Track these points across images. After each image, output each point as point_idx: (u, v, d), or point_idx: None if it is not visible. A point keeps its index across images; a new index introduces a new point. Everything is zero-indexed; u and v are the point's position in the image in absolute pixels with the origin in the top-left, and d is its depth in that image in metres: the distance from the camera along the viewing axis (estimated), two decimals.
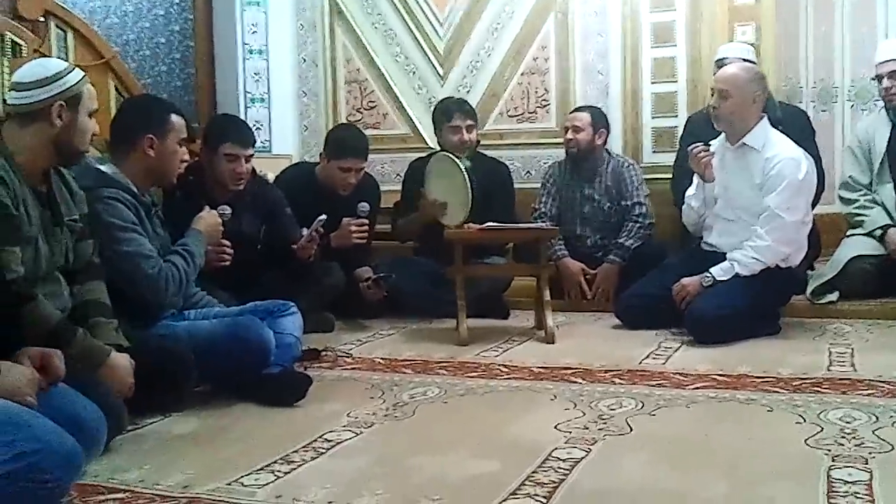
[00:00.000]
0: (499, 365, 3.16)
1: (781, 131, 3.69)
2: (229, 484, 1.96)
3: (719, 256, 3.63)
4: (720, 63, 4.41)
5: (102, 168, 2.69)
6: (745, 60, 4.14)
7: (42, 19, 4.07)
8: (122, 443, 2.26)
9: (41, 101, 2.28)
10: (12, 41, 3.78)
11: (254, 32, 5.32)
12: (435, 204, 3.92)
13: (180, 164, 2.87)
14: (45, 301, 2.22)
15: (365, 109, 5.47)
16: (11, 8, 3.93)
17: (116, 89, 4.36)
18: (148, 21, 5.02)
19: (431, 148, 4.79)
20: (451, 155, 3.72)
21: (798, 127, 4.02)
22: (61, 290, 2.36)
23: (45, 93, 2.28)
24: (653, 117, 4.96)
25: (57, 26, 4.15)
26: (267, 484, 1.96)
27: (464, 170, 3.55)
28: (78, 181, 2.51)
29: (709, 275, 3.56)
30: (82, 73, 2.40)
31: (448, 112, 4.27)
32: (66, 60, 4.13)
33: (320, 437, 2.31)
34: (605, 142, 4.44)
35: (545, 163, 4.84)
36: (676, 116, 4.84)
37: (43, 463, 1.73)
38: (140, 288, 2.64)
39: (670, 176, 4.50)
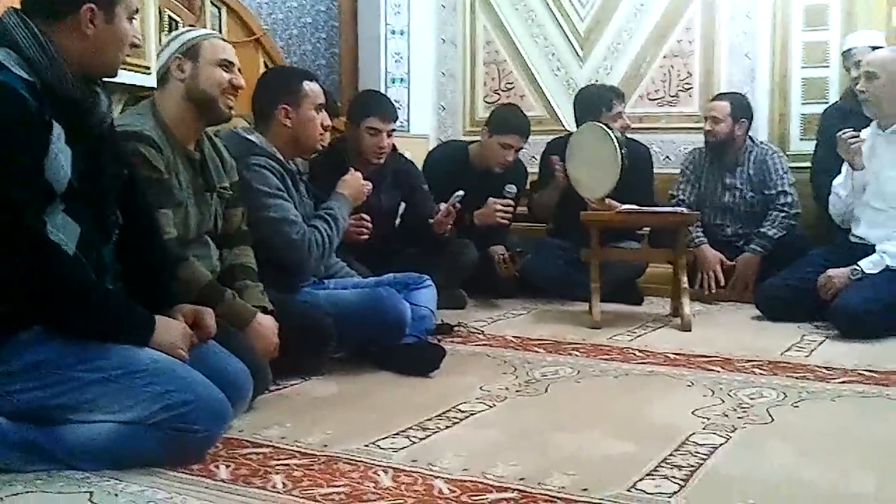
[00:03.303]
0: (633, 349, 3.11)
1: None
2: (366, 446, 2.00)
3: (868, 248, 3.49)
4: (847, 54, 4.23)
5: (251, 137, 2.78)
6: (873, 48, 3.94)
7: None
8: (266, 401, 2.34)
9: (166, 61, 2.39)
10: (169, 17, 3.94)
11: (397, 13, 5.39)
12: (567, 174, 3.88)
13: (322, 131, 2.90)
14: (196, 262, 2.32)
15: (502, 91, 5.45)
16: None
17: (266, 66, 4.49)
18: (296, 1, 5.16)
19: (568, 131, 4.75)
20: (602, 125, 3.66)
21: None
22: (210, 254, 2.47)
23: (168, 53, 2.40)
24: (802, 103, 4.76)
25: (212, 3, 4.30)
26: (403, 448, 2.00)
27: (615, 139, 3.49)
28: (228, 148, 2.60)
29: (857, 267, 3.42)
30: (206, 32, 2.50)
31: (608, 100, 4.15)
32: None
33: (454, 407, 2.34)
34: (746, 131, 4.29)
35: (685, 148, 4.72)
36: (827, 103, 4.61)
37: (194, 414, 1.82)
38: (284, 253, 2.72)
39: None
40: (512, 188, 4.03)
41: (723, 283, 4.17)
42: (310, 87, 2.85)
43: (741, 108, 4.27)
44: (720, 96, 4.40)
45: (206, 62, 2.38)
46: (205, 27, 4.20)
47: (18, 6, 1.87)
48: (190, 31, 2.51)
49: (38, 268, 1.74)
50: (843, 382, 2.65)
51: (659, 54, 5.06)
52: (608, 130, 3.57)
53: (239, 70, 2.46)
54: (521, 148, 4.17)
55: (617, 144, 3.48)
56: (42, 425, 1.81)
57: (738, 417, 2.27)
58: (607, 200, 3.63)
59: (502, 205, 3.98)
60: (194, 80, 2.37)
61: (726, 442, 2.07)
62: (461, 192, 3.64)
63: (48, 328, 1.80)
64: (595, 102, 4.14)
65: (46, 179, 1.77)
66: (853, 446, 2.07)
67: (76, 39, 1.86)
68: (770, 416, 2.29)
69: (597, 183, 3.60)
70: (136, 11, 2.03)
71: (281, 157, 2.79)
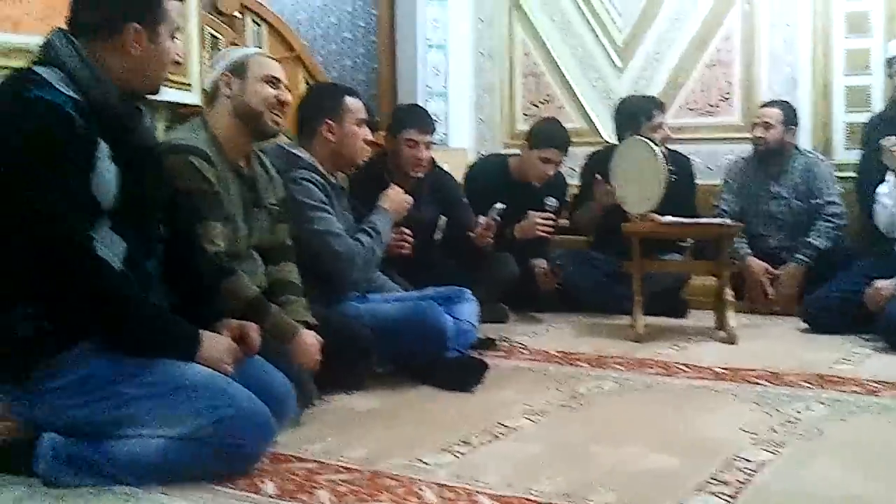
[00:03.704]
0: (677, 363, 3.08)
1: None
2: (410, 461, 2.00)
3: None
4: (891, 61, 4.16)
5: (296, 151, 2.81)
6: None
7: (239, 14, 4.28)
8: (309, 416, 2.34)
9: (215, 78, 2.44)
10: (211, 34, 3.99)
11: (435, 27, 5.41)
12: (609, 191, 3.85)
13: (363, 145, 2.93)
14: (243, 276, 2.33)
15: (541, 103, 5.45)
16: (211, 3, 4.14)
17: (306, 82, 4.52)
18: (335, 17, 5.20)
19: (606, 142, 4.73)
20: (646, 140, 3.62)
21: None
22: (256, 269, 2.48)
23: (217, 71, 2.45)
24: (846, 112, 4.70)
25: (253, 20, 4.36)
26: (446, 463, 1.99)
27: (660, 155, 3.45)
28: (273, 162, 2.62)
29: None
30: (254, 50, 2.59)
31: (648, 111, 4.13)
32: None
33: (497, 422, 2.32)
34: (794, 139, 4.26)
35: (726, 158, 4.67)
36: (871, 111, 4.54)
37: (239, 429, 1.83)
38: (328, 264, 2.73)
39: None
40: (553, 201, 4.01)
41: (771, 294, 4.11)
42: (352, 102, 2.88)
43: (791, 115, 4.24)
44: (770, 104, 4.35)
45: (253, 78, 2.42)
46: (245, 44, 4.25)
47: (65, 26, 1.90)
48: (238, 49, 2.57)
49: (85, 283, 1.77)
50: (893, 396, 2.59)
51: (698, 64, 5.03)
52: (653, 146, 3.53)
53: (286, 87, 2.49)
54: (561, 162, 4.16)
55: (662, 160, 3.44)
56: (91, 440, 1.83)
57: (787, 432, 2.23)
58: (650, 215, 3.59)
59: (542, 218, 3.96)
60: (242, 96, 2.41)
61: (775, 457, 2.03)
62: (501, 205, 3.63)
63: (95, 344, 1.82)
64: (635, 113, 4.12)
65: (93, 196, 1.80)
66: None
67: (120, 58, 1.89)
68: (819, 430, 2.25)
69: (641, 198, 3.56)
70: (179, 29, 2.05)
71: (324, 171, 2.81)
